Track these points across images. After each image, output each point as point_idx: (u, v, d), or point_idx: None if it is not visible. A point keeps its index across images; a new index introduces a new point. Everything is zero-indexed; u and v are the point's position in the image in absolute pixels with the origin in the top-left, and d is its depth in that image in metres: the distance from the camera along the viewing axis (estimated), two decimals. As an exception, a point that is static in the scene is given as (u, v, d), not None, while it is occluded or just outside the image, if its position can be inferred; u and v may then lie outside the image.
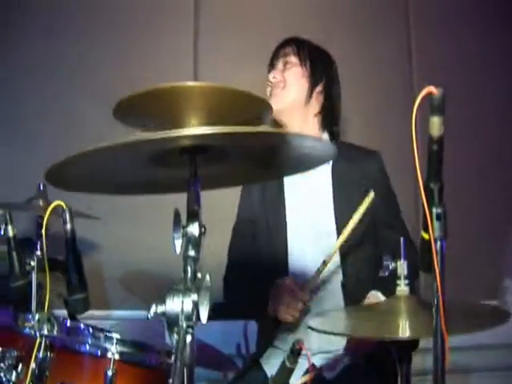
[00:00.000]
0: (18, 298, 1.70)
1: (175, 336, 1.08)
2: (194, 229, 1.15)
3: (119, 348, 1.38)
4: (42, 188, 2.16)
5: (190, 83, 1.08)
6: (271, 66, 2.15)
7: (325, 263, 1.87)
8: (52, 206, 1.43)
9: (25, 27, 2.90)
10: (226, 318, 2.13)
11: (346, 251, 1.98)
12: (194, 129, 1.06)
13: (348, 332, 1.56)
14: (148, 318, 1.09)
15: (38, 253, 1.94)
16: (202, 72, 2.80)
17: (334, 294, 2.00)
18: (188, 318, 1.07)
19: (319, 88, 2.11)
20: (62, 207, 1.43)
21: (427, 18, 2.87)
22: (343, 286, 2.00)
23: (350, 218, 1.87)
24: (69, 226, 1.44)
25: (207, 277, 1.11)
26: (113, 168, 1.18)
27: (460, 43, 2.90)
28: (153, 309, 1.09)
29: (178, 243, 1.16)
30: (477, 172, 2.94)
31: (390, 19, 2.88)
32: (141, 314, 2.69)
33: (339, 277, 2.01)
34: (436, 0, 2.90)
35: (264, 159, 1.26)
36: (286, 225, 2.06)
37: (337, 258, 2.00)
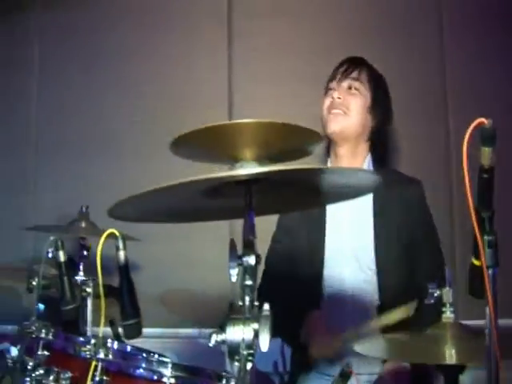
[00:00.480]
0: (68, 321, 1.76)
1: (236, 364, 1.12)
2: (250, 258, 1.19)
3: (174, 372, 1.41)
4: (84, 210, 2.21)
5: (246, 120, 1.12)
6: (334, 78, 2.16)
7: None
8: (105, 233, 1.47)
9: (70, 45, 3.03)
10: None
11: (383, 275, 2.02)
12: (253, 168, 1.12)
13: (394, 356, 1.57)
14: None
15: (81, 273, 2.02)
16: (236, 99, 2.86)
17: (368, 315, 2.02)
18: (249, 346, 1.11)
19: (376, 121, 2.15)
20: (115, 235, 1.48)
21: (460, 32, 2.85)
22: (378, 307, 2.02)
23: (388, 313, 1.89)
24: (122, 253, 1.48)
25: (266, 305, 1.14)
26: (168, 201, 1.23)
27: (491, 57, 2.87)
28: (214, 337, 1.13)
29: (234, 272, 1.20)
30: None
31: (422, 32, 2.87)
32: (178, 332, 2.74)
33: (375, 298, 2.04)
34: (469, 13, 2.87)
35: (309, 189, 1.29)
36: (324, 245, 2.08)
37: (374, 279, 2.03)
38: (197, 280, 2.69)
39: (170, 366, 1.42)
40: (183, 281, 2.72)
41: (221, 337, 1.12)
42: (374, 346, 1.58)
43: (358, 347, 1.51)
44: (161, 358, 1.47)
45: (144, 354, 1.49)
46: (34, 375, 1.54)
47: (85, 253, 2.15)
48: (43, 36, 3.04)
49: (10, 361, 1.75)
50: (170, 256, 2.75)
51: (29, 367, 1.58)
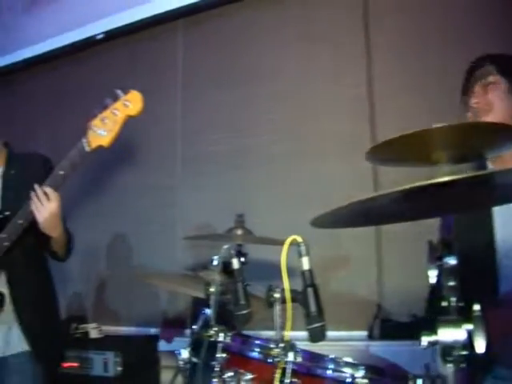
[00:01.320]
0: (241, 325, 1.84)
1: (449, 365, 1.13)
2: (450, 259, 1.20)
3: (367, 374, 1.45)
4: (239, 218, 2.30)
5: (439, 125, 1.12)
6: (467, 90, 2.08)
7: None
8: (288, 240, 1.53)
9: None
10: (414, 338, 2.13)
11: None
12: (451, 177, 1.10)
13: None
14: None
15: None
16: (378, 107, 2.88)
17: None
18: (463, 347, 1.12)
19: None
20: (298, 241, 1.53)
21: None
22: None
23: None
24: (306, 259, 1.53)
25: (476, 306, 1.14)
26: (363, 207, 1.26)
27: None
28: (425, 338, 1.15)
29: (433, 273, 1.22)
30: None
31: None
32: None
33: None
34: None
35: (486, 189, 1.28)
36: (494, 238, 2.01)
37: None
38: (344, 282, 2.72)
39: (362, 367, 1.45)
40: (330, 282, 2.75)
41: (433, 338, 1.14)
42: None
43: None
44: (348, 360, 1.51)
45: (331, 356, 1.53)
46: (223, 377, 1.63)
47: (242, 259, 2.24)
48: (185, 59, 3.23)
49: (181, 362, 1.88)
50: (317, 258, 2.79)
51: (216, 369, 1.67)
